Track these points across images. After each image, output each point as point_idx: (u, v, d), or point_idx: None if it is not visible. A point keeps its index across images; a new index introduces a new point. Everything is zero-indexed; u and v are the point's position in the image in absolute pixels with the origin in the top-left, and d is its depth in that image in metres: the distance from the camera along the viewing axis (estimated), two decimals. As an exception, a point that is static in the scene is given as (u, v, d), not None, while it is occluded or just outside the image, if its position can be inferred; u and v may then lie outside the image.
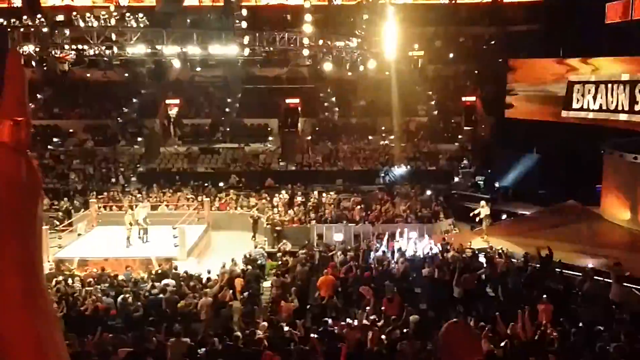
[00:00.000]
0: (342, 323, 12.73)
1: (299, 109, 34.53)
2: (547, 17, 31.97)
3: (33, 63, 24.76)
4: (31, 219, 0.75)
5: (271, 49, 23.71)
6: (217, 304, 14.59)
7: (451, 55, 36.78)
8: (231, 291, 15.84)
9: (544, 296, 14.36)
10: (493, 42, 35.98)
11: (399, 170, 29.64)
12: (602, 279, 16.05)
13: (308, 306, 15.19)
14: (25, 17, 23.84)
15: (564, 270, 17.15)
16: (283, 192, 26.98)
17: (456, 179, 29.63)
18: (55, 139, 32.09)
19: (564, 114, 28.07)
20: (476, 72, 36.38)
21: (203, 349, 10.56)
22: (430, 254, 19.10)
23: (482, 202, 23.57)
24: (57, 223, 23.89)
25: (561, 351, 10.41)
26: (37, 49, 22.28)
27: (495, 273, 17.47)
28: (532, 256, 18.02)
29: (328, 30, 26.35)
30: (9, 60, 0.82)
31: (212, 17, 25.06)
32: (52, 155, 30.65)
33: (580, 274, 16.60)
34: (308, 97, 35.64)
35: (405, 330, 11.81)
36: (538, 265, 17.33)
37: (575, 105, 27.57)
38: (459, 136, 32.76)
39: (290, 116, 34.24)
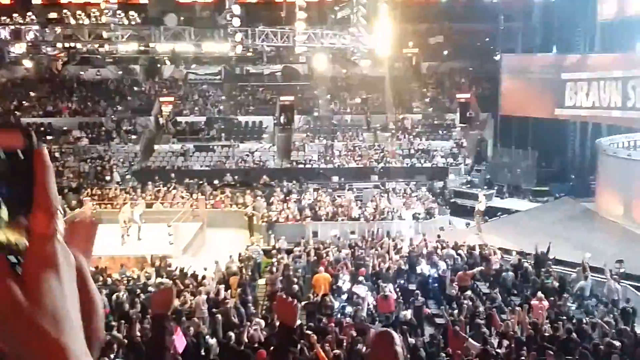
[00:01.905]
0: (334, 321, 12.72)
1: (294, 106, 34.49)
2: (542, 14, 32.00)
3: (25, 61, 24.67)
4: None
5: (265, 46, 23.64)
6: (212, 302, 14.54)
7: (446, 52, 36.80)
8: (228, 290, 15.81)
9: (539, 293, 14.41)
10: (487, 39, 36.00)
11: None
12: (597, 275, 16.12)
13: (303, 303, 15.16)
14: (15, 14, 23.70)
15: (558, 267, 17.21)
16: (278, 189, 26.95)
17: (451, 176, 29.65)
18: (49, 137, 31.92)
19: (558, 111, 28.14)
20: (471, 69, 36.40)
21: (197, 348, 10.52)
22: (425, 251, 19.09)
23: (481, 196, 23.62)
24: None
25: (557, 347, 10.42)
26: (29, 47, 22.15)
27: (490, 270, 17.50)
28: (527, 253, 18.06)
29: (322, 27, 26.28)
30: (37, 155, 0.84)
31: (205, 14, 24.96)
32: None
33: (575, 271, 16.65)
34: (303, 94, 35.60)
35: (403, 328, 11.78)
36: (533, 262, 17.36)
37: (568, 103, 27.63)
38: (454, 133, 32.77)
39: (285, 113, 34.19)
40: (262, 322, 12.45)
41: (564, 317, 13.10)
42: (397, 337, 2.47)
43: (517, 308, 13.65)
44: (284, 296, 2.96)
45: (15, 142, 0.85)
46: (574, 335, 11.19)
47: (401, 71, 36.38)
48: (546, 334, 11.55)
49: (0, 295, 0.73)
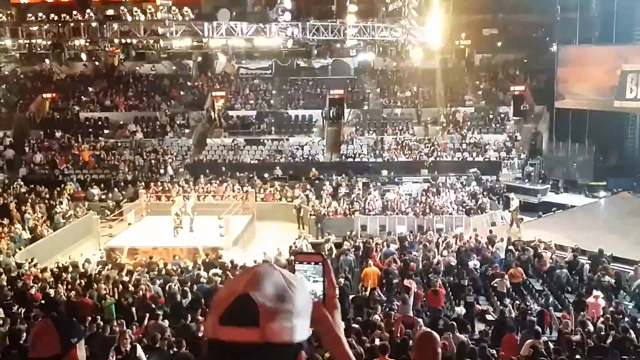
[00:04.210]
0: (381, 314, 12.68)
1: (344, 99, 34.43)
2: (600, 4, 30.87)
3: (84, 57, 25.45)
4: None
5: (316, 39, 23.68)
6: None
7: (500, 43, 35.97)
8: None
9: (595, 291, 14.01)
10: (543, 30, 35.01)
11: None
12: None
13: (351, 297, 15.18)
14: (75, 12, 24.47)
15: (615, 264, 16.68)
16: (327, 183, 27.02)
17: (504, 170, 29.06)
18: (106, 131, 32.96)
19: (617, 103, 27.15)
20: (525, 60, 35.49)
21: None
22: (476, 247, 18.82)
23: (512, 195, 23.28)
24: (108, 213, 24.57)
25: (613, 346, 10.12)
26: (87, 43, 22.86)
27: (543, 266, 17.12)
28: (583, 250, 17.57)
29: (373, 20, 26.10)
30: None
31: (256, 9, 25.19)
32: (103, 146, 31.49)
33: (632, 268, 16.10)
34: (353, 87, 35.51)
35: (450, 323, 11.64)
36: (589, 259, 16.88)
37: (629, 95, 26.61)
38: (507, 126, 32.07)
39: (334, 107, 34.17)
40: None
41: (620, 316, 12.70)
42: (438, 339, 2.58)
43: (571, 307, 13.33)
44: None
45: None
46: (631, 334, 10.83)
47: (453, 63, 35.78)
48: (602, 333, 11.21)
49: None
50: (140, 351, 9.14)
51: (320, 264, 1.51)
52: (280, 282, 1.29)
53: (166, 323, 11.54)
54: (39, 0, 32.19)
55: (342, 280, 15.45)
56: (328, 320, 1.46)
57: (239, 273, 1.44)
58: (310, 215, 23.70)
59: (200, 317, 12.11)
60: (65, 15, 23.95)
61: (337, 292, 1.61)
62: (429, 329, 2.56)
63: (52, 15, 24.09)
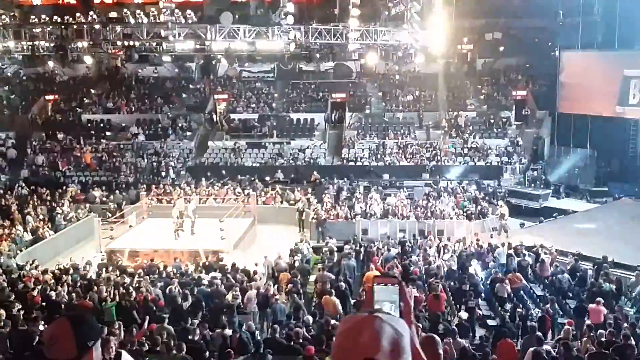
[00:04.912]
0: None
1: (346, 103, 34.46)
2: (602, 9, 30.84)
3: (86, 59, 25.49)
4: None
5: (318, 43, 23.68)
6: (261, 298, 14.72)
7: (502, 48, 35.97)
8: (275, 286, 15.98)
9: (596, 297, 13.96)
10: (546, 35, 35.00)
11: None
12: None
13: (353, 301, 15.15)
14: (78, 14, 24.52)
15: (617, 270, 16.64)
16: (330, 187, 27.01)
17: (506, 175, 29.03)
18: (108, 133, 33.01)
19: (619, 109, 27.14)
20: (527, 65, 35.49)
21: (247, 342, 10.67)
22: (477, 251, 18.79)
23: (501, 203, 23.44)
24: (109, 215, 24.58)
25: (614, 353, 10.08)
26: (90, 45, 22.89)
27: (545, 272, 17.09)
28: (584, 255, 17.53)
29: (375, 24, 26.10)
30: None
31: (259, 12, 25.22)
32: (105, 148, 31.53)
33: (634, 274, 16.06)
34: (355, 91, 35.54)
35: (451, 328, 11.62)
36: (593, 266, 16.84)
37: (631, 101, 26.59)
38: (509, 131, 32.07)
39: (336, 111, 34.20)
40: (311, 319, 12.51)
41: (622, 322, 12.66)
42: (440, 342, 2.60)
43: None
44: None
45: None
46: (632, 341, 10.78)
47: (455, 68, 35.80)
48: (603, 339, 11.17)
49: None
50: (126, 357, 9.11)
51: (396, 285, 1.70)
52: (393, 336, 1.46)
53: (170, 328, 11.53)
54: (48, 2, 32.37)
55: (342, 284, 15.42)
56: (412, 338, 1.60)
57: (350, 326, 1.52)
58: (312, 219, 23.70)
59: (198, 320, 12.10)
60: (68, 17, 24.00)
61: (412, 309, 1.72)
62: (431, 334, 2.63)
63: (55, 17, 24.15)
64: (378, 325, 1.46)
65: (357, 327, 1.47)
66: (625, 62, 27.05)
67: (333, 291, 14.41)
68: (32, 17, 25.98)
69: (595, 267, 16.72)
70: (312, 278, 17.75)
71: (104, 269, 17.98)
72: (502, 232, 22.28)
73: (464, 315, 13.97)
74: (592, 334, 11.37)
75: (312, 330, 11.63)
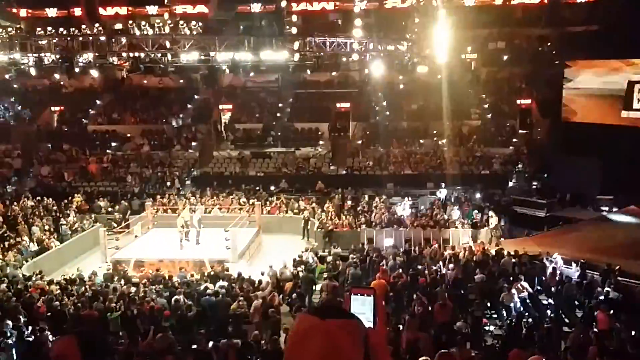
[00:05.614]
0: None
1: (350, 113, 34.52)
2: (606, 17, 30.86)
3: (92, 71, 25.66)
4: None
5: (322, 53, 23.79)
6: (266, 307, 14.70)
7: (506, 57, 36.03)
8: (280, 295, 15.96)
9: (602, 305, 13.90)
10: (549, 44, 35.06)
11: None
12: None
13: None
14: (84, 26, 24.71)
15: (624, 279, 16.55)
16: (336, 196, 27.02)
17: (511, 184, 28.97)
18: (113, 143, 33.16)
19: (624, 114, 27.11)
20: (531, 74, 35.50)
21: (252, 351, 10.65)
22: (482, 260, 18.72)
23: (491, 213, 23.37)
24: (115, 225, 24.63)
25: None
26: (96, 57, 23.06)
27: (551, 280, 17.02)
28: (590, 264, 17.46)
29: (379, 34, 26.22)
30: None
31: (263, 23, 25.38)
32: (110, 159, 31.66)
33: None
34: (359, 101, 35.60)
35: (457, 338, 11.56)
36: (597, 274, 16.76)
37: (636, 106, 26.59)
38: (514, 140, 32.03)
39: (340, 120, 34.27)
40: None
41: (629, 331, 12.57)
42: (455, 357, 2.71)
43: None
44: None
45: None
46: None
47: (459, 77, 35.83)
48: (611, 348, 11.11)
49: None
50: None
51: (371, 296, 1.80)
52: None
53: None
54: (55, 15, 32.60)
55: (347, 293, 15.35)
56: (382, 344, 1.71)
57: (302, 336, 1.52)
58: (318, 228, 23.69)
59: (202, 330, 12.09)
60: (74, 29, 24.18)
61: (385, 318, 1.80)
62: (446, 351, 2.63)
63: (61, 29, 24.33)
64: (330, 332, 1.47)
65: (308, 333, 1.48)
66: (629, 69, 27.05)
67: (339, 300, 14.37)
68: (38, 29, 26.19)
69: (602, 275, 16.64)
70: (317, 287, 17.73)
71: (109, 279, 18.01)
72: (492, 241, 22.18)
73: (468, 324, 13.86)
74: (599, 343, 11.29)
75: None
